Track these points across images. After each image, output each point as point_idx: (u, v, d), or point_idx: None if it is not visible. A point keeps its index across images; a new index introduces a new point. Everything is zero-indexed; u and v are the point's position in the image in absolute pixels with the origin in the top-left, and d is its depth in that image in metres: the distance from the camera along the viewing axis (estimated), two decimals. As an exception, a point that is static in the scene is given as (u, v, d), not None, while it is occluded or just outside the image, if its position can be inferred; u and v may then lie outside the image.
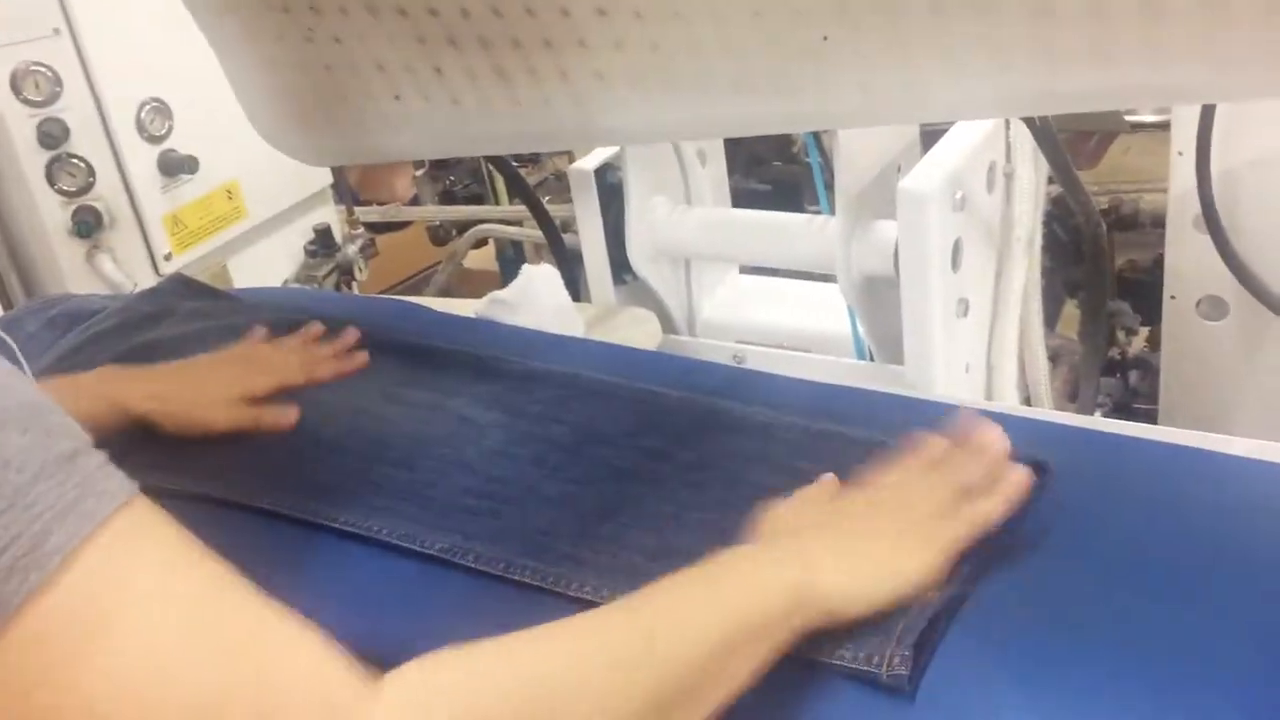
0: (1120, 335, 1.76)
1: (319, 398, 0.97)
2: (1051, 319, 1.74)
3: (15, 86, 1.44)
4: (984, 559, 0.69)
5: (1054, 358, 1.57)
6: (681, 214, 1.40)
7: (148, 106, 1.59)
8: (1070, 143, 2.08)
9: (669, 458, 0.84)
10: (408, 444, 0.89)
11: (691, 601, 0.61)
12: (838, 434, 0.84)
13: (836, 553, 0.66)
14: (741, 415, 0.88)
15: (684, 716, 0.57)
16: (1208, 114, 1.29)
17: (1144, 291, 1.70)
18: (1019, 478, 0.72)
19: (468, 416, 0.93)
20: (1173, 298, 1.55)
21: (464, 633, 0.64)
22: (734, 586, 0.62)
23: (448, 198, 2.47)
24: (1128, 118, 1.86)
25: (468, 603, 0.74)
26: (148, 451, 0.88)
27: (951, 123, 1.17)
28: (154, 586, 0.49)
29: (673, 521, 0.77)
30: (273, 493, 0.84)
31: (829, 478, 0.77)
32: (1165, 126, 1.54)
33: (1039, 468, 0.75)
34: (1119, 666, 0.62)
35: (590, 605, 0.70)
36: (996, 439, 0.75)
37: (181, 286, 1.22)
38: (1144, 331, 1.77)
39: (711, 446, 0.85)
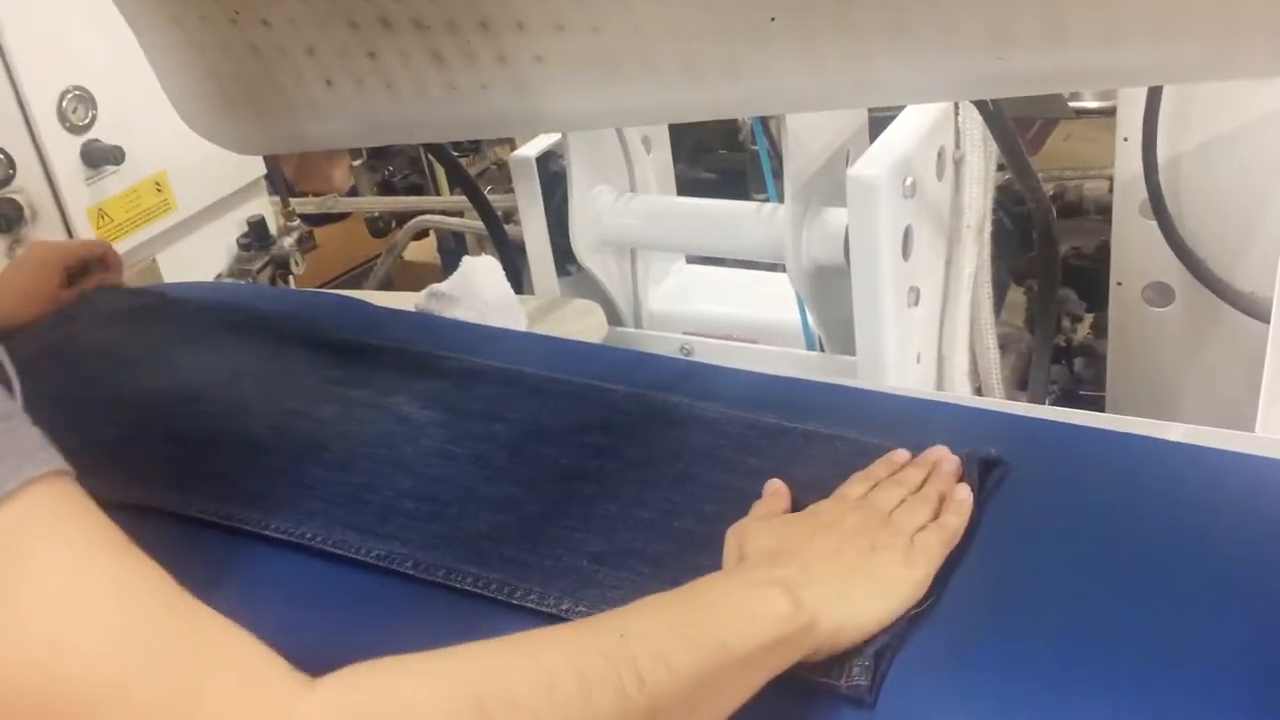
0: (1066, 322, 1.77)
1: (248, 396, 0.93)
2: (997, 307, 1.74)
3: (-73, 75, 1.38)
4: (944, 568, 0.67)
5: (1002, 346, 1.57)
6: (626, 202, 1.37)
7: (70, 95, 1.53)
8: (1012, 129, 2.09)
9: (615, 455, 0.81)
10: (342, 444, 0.85)
11: (672, 629, 0.57)
12: (788, 429, 0.82)
13: (824, 579, 0.63)
14: (689, 410, 0.86)
15: None
16: (1154, 99, 1.28)
17: (1088, 278, 1.71)
18: (967, 494, 0.71)
19: (405, 415, 0.89)
20: (1119, 284, 1.55)
21: (404, 643, 0.61)
22: (719, 614, 0.59)
23: (386, 188, 2.43)
24: (1071, 103, 1.87)
25: (408, 611, 0.71)
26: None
27: (901, 107, 1.15)
28: (71, 560, 0.47)
29: (620, 522, 0.74)
30: (199, 499, 0.80)
31: (779, 487, 0.74)
32: (1109, 113, 1.54)
33: (993, 464, 0.74)
34: (1076, 659, 0.61)
35: (535, 613, 0.68)
36: (947, 455, 0.74)
37: (107, 295, 1.16)
38: (1089, 318, 1.78)
39: (659, 443, 0.82)
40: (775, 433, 0.82)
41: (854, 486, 0.73)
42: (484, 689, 0.50)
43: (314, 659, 0.53)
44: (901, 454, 0.76)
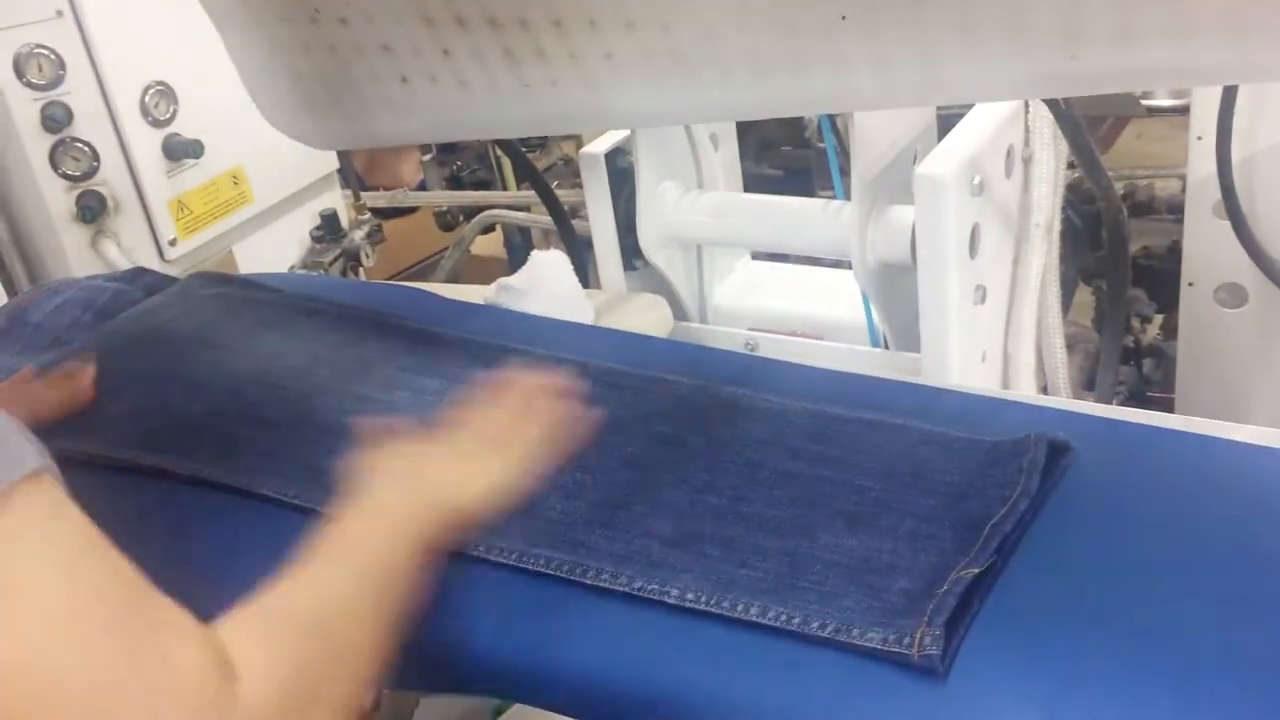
0: (1135, 323, 1.75)
1: (325, 381, 0.96)
2: (1065, 306, 1.73)
3: (18, 69, 1.42)
4: (1010, 541, 0.69)
5: (1069, 345, 1.55)
6: (693, 199, 1.38)
7: (152, 90, 1.57)
8: (1083, 127, 2.07)
9: (681, 444, 0.83)
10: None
11: (336, 576, 0.66)
12: (853, 418, 0.83)
13: (437, 461, 0.77)
14: (754, 402, 0.87)
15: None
16: (1229, 98, 1.27)
17: (1159, 279, 1.69)
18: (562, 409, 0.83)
19: None
20: (1190, 285, 1.53)
21: (480, 625, 0.72)
22: (360, 550, 0.68)
23: (455, 183, 2.46)
24: (1144, 102, 1.84)
25: (483, 593, 0.73)
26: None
27: (969, 105, 1.15)
28: (54, 557, 0.52)
29: (688, 508, 0.76)
30: (274, 480, 0.82)
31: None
32: (1182, 111, 1.52)
33: (1060, 448, 0.75)
34: (1136, 654, 0.61)
35: (607, 592, 0.70)
36: (530, 382, 0.87)
37: (199, 283, 1.20)
38: (1158, 319, 1.75)
39: (724, 432, 0.84)
40: (840, 422, 0.83)
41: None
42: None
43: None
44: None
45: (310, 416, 0.91)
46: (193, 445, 0.87)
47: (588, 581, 0.71)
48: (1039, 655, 0.62)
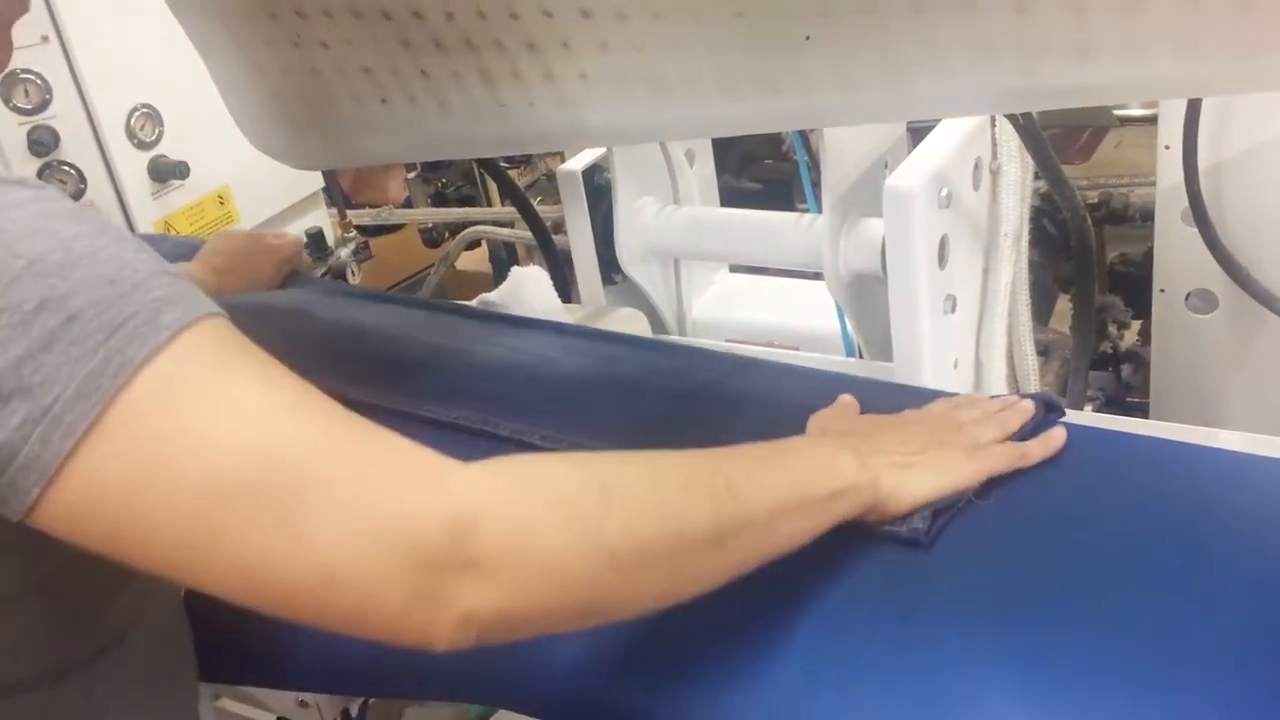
0: (1112, 329, 1.77)
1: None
2: (1044, 314, 1.75)
3: (5, 94, 1.45)
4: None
5: (1046, 352, 1.58)
6: (670, 214, 1.40)
7: (138, 113, 1.59)
8: (1062, 137, 2.09)
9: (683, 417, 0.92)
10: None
11: (761, 463, 0.68)
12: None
13: (889, 454, 0.76)
14: (740, 386, 0.97)
15: (732, 558, 0.64)
16: (1194, 108, 1.29)
17: (1136, 285, 1.71)
18: (1061, 435, 0.80)
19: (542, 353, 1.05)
20: (1162, 291, 1.55)
21: None
22: (800, 461, 0.71)
23: (440, 200, 2.48)
24: (1116, 112, 1.87)
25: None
26: None
27: (937, 120, 1.17)
28: (255, 367, 0.57)
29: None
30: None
31: (851, 399, 0.87)
32: (1153, 120, 1.54)
33: (1050, 404, 0.84)
34: (1104, 659, 0.63)
35: None
36: (1028, 401, 0.85)
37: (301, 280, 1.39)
38: (1136, 325, 1.78)
39: (721, 408, 0.93)
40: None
41: (937, 405, 0.85)
42: (606, 475, 0.60)
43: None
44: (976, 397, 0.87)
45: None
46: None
47: None
48: (1000, 653, 0.64)
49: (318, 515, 0.53)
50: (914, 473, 0.74)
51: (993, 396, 0.87)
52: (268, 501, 0.53)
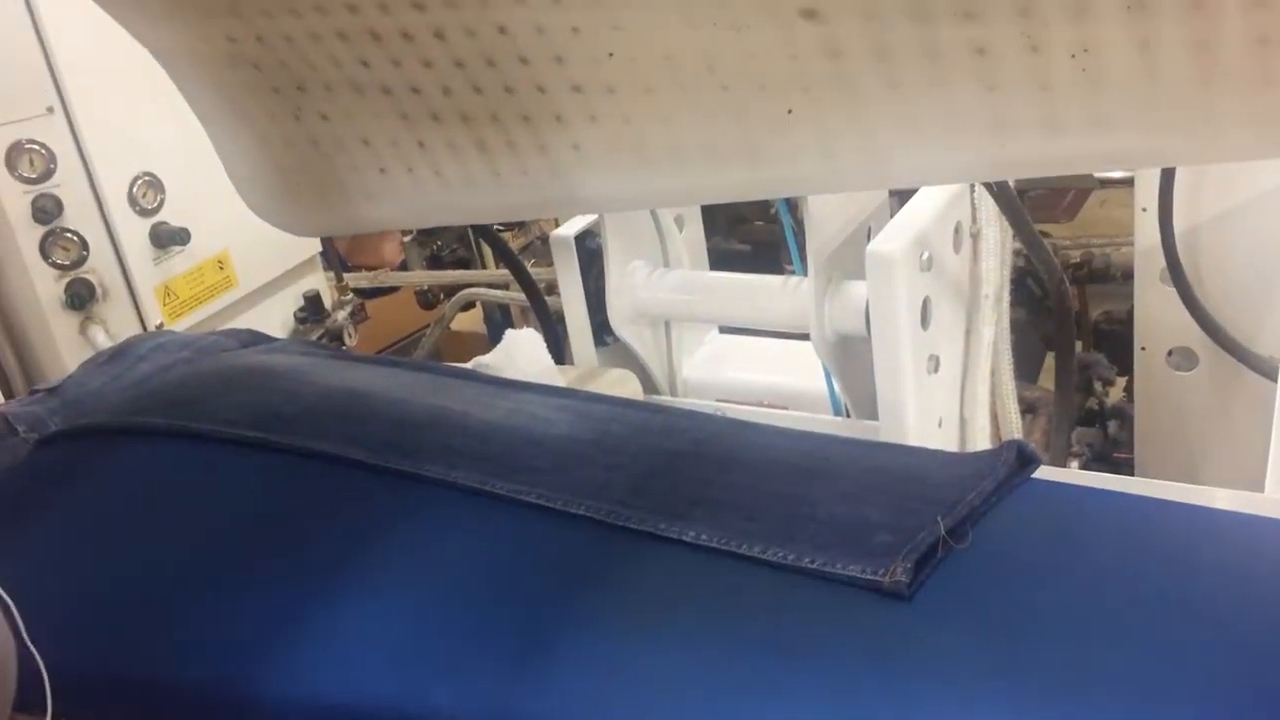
0: (1098, 386, 1.80)
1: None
2: (1032, 372, 1.78)
3: (10, 164, 1.47)
4: (977, 514, 0.79)
5: (1033, 409, 1.60)
6: (659, 277, 1.43)
7: (140, 181, 1.62)
8: (1047, 197, 2.14)
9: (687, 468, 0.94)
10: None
11: None
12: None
13: None
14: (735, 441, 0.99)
15: None
16: (1168, 172, 1.33)
17: (1120, 342, 1.74)
18: None
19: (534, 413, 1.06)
20: (1144, 349, 1.59)
21: None
22: None
23: (435, 262, 2.51)
24: (1096, 174, 1.91)
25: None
26: None
27: (918, 186, 1.21)
28: None
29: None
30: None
31: None
32: (1131, 183, 1.59)
33: (1025, 454, 0.86)
34: (1083, 711, 0.65)
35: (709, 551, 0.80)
36: None
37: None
38: (1121, 382, 1.81)
39: (724, 457, 0.95)
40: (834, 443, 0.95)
41: None
42: None
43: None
44: None
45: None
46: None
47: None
48: (983, 703, 0.66)
49: None
50: None
51: (975, 452, 0.89)
52: None
